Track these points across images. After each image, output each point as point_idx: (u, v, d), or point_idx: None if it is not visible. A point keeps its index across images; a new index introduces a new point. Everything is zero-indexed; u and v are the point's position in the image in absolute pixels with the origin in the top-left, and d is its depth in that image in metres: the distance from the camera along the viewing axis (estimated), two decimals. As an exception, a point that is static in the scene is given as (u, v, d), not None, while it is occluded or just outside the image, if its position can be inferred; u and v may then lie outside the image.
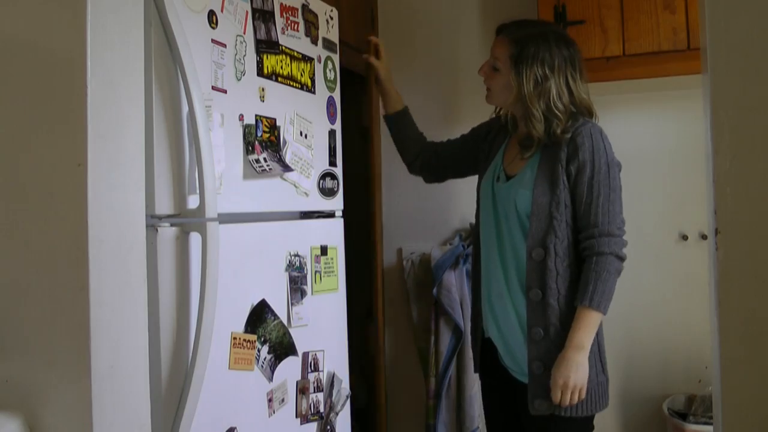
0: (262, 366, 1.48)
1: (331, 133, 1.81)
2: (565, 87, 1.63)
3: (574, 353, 1.52)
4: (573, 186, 1.58)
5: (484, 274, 1.75)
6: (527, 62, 1.61)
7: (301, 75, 1.67)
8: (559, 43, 1.64)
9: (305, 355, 1.64)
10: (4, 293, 1.08)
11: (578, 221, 1.59)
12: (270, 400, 1.51)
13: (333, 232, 1.81)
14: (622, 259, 1.57)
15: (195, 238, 1.29)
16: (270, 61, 1.55)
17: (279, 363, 1.54)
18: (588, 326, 1.53)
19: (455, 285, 2.43)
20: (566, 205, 1.58)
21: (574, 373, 1.51)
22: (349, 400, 1.83)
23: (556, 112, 1.61)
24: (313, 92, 1.72)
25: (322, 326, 1.72)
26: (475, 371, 1.88)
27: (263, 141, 1.51)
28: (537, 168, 1.62)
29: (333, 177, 1.80)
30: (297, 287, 1.62)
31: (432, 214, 2.69)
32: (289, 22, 1.63)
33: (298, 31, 1.66)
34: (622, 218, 1.60)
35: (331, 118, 1.81)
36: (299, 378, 1.62)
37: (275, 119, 1.56)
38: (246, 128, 1.46)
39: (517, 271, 1.64)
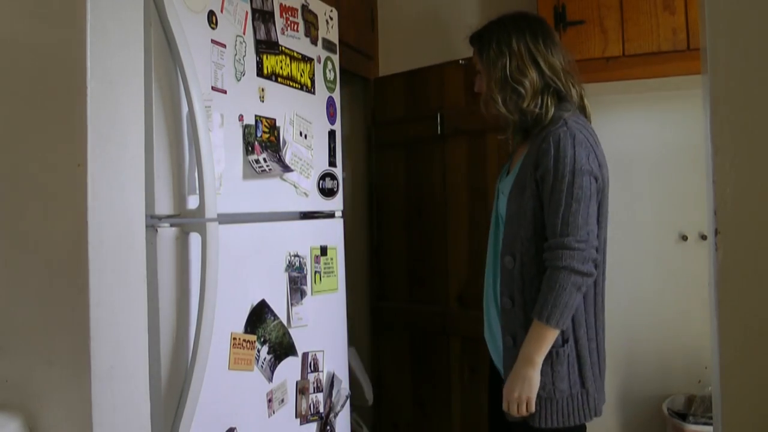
0: (261, 366, 1.48)
1: (331, 134, 1.81)
2: (528, 57, 1.57)
3: (522, 367, 1.49)
4: (540, 193, 1.50)
5: (485, 275, 1.74)
6: (486, 50, 1.62)
7: (301, 75, 1.67)
8: (516, 21, 1.63)
9: (305, 355, 1.64)
10: (5, 293, 1.08)
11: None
12: (270, 401, 1.51)
13: (333, 233, 1.81)
14: (581, 273, 1.44)
15: (195, 239, 1.29)
16: (270, 62, 1.55)
17: (279, 363, 1.54)
18: (537, 340, 1.47)
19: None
20: (534, 213, 1.51)
21: (520, 386, 1.48)
22: (348, 400, 1.83)
23: (515, 85, 1.56)
24: (313, 93, 1.72)
25: (322, 326, 1.72)
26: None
27: (263, 141, 1.51)
28: (515, 176, 1.58)
29: (333, 177, 1.80)
30: (297, 287, 1.62)
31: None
32: (288, 22, 1.63)
33: (297, 31, 1.66)
34: (587, 230, 1.46)
35: (331, 119, 1.81)
36: (299, 378, 1.62)
37: (275, 119, 1.56)
38: (246, 128, 1.46)
39: (494, 279, 1.63)
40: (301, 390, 1.62)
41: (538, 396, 1.49)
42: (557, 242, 1.46)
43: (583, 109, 1.65)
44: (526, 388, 1.48)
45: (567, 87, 1.60)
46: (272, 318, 1.52)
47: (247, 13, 1.48)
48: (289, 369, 1.58)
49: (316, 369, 1.68)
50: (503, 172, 1.73)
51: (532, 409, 1.49)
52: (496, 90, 1.59)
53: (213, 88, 1.36)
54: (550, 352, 1.49)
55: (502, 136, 1.67)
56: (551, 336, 1.47)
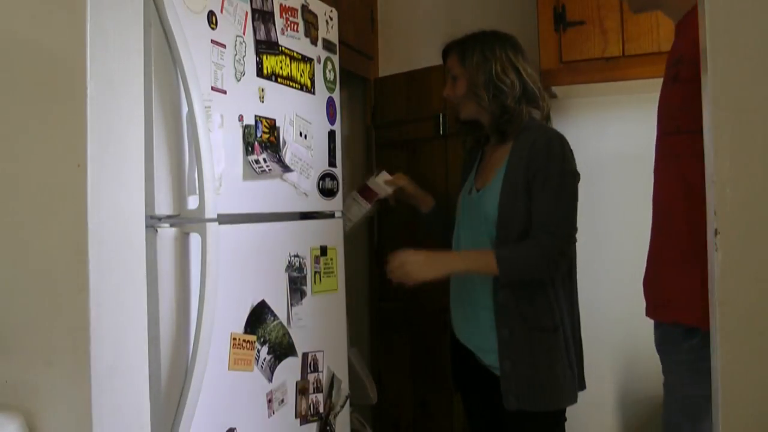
0: (261, 366, 1.48)
1: (331, 134, 1.81)
2: (508, 63, 1.71)
3: (450, 260, 1.69)
4: (531, 191, 1.62)
5: (455, 283, 1.81)
6: (470, 55, 1.72)
7: (301, 75, 1.67)
8: (497, 35, 1.77)
9: (305, 355, 1.64)
10: (4, 293, 1.08)
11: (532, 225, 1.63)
12: (270, 401, 1.51)
13: (332, 233, 1.81)
14: (548, 263, 1.59)
15: (195, 239, 1.29)
16: (269, 62, 1.55)
17: (279, 363, 1.54)
18: (477, 262, 1.62)
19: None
20: (527, 210, 1.62)
21: (434, 268, 1.65)
22: (348, 400, 1.83)
23: (501, 85, 1.69)
24: (313, 93, 1.73)
25: (322, 327, 1.72)
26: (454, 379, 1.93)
27: (263, 141, 1.51)
28: (503, 178, 1.66)
29: (332, 178, 1.80)
30: (297, 288, 1.62)
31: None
32: (288, 22, 1.63)
33: (297, 31, 1.66)
34: (569, 228, 1.63)
35: (331, 119, 1.81)
36: (299, 378, 1.62)
37: (275, 120, 1.56)
38: (246, 129, 1.46)
39: (486, 276, 1.68)
40: (301, 390, 1.62)
41: (539, 380, 1.58)
42: (545, 227, 1.59)
43: (547, 122, 1.80)
44: (432, 270, 1.65)
45: (542, 96, 1.75)
46: (272, 318, 1.52)
47: (246, 13, 1.48)
48: (289, 369, 1.58)
49: (315, 369, 1.68)
50: (468, 186, 1.82)
51: (403, 279, 1.64)
52: (482, 89, 1.70)
53: (213, 89, 1.36)
54: (545, 338, 1.59)
55: (496, 140, 1.76)
56: (488, 270, 1.60)
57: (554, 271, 1.61)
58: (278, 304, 1.55)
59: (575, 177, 1.65)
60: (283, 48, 1.60)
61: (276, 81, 1.57)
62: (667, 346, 1.30)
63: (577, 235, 1.71)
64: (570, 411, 1.69)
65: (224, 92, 1.40)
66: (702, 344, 1.13)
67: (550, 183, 1.59)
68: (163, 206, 1.24)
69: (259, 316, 1.48)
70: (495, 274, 1.59)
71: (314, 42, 1.74)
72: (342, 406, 1.79)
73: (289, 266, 1.60)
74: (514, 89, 1.69)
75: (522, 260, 1.58)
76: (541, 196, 1.59)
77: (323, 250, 1.74)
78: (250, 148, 1.46)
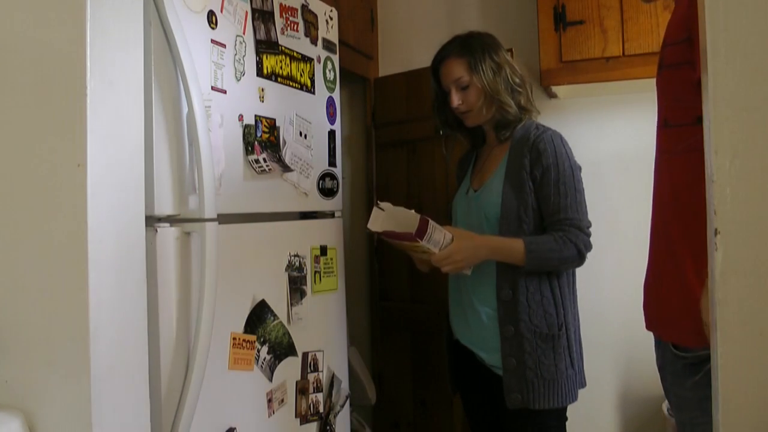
0: (261, 366, 1.48)
1: (331, 134, 1.81)
2: (511, 64, 1.76)
3: (481, 245, 1.62)
4: (538, 189, 1.62)
5: (458, 278, 1.79)
6: (481, 62, 1.71)
7: (301, 75, 1.67)
8: (489, 38, 1.78)
9: (305, 355, 1.64)
10: (5, 293, 1.08)
11: (546, 220, 1.63)
12: (270, 401, 1.51)
13: (332, 233, 1.81)
14: (581, 257, 1.60)
15: (195, 239, 1.29)
16: (269, 62, 1.55)
17: (279, 363, 1.54)
18: (506, 250, 1.60)
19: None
20: (533, 209, 1.63)
21: (469, 256, 1.61)
22: (348, 400, 1.83)
23: (516, 87, 1.72)
24: (313, 92, 1.72)
25: (322, 326, 1.72)
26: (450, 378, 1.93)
27: (263, 141, 1.51)
28: (504, 176, 1.67)
29: (332, 177, 1.80)
30: (297, 287, 1.62)
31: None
32: (288, 22, 1.63)
33: (297, 31, 1.66)
34: (588, 221, 1.64)
35: (331, 119, 1.81)
36: (299, 378, 1.62)
37: (275, 119, 1.56)
38: (246, 128, 1.46)
39: (488, 275, 1.68)
40: (301, 390, 1.62)
41: (543, 378, 1.59)
42: (571, 222, 1.60)
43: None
44: (471, 259, 1.62)
45: (531, 89, 1.78)
46: (272, 318, 1.52)
47: (246, 13, 1.48)
48: (289, 369, 1.58)
49: (315, 369, 1.68)
50: (465, 187, 1.82)
51: (456, 266, 1.61)
52: (504, 95, 1.71)
53: (213, 88, 1.36)
54: (550, 336, 1.61)
55: (507, 134, 1.74)
56: (517, 261, 1.60)
57: (581, 264, 1.63)
58: (278, 304, 1.55)
59: (580, 170, 1.67)
60: (283, 48, 1.60)
61: (276, 81, 1.57)
62: (666, 373, 1.19)
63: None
64: (570, 410, 1.69)
65: (224, 92, 1.40)
66: (706, 381, 1.01)
67: (563, 178, 1.61)
68: (163, 206, 1.24)
69: (259, 316, 1.48)
70: (520, 264, 1.60)
71: (314, 42, 1.74)
72: (342, 406, 1.79)
73: (289, 266, 1.60)
74: (524, 87, 1.74)
75: (551, 259, 1.59)
76: (556, 192, 1.61)
77: (323, 250, 1.74)
78: (250, 148, 1.46)
